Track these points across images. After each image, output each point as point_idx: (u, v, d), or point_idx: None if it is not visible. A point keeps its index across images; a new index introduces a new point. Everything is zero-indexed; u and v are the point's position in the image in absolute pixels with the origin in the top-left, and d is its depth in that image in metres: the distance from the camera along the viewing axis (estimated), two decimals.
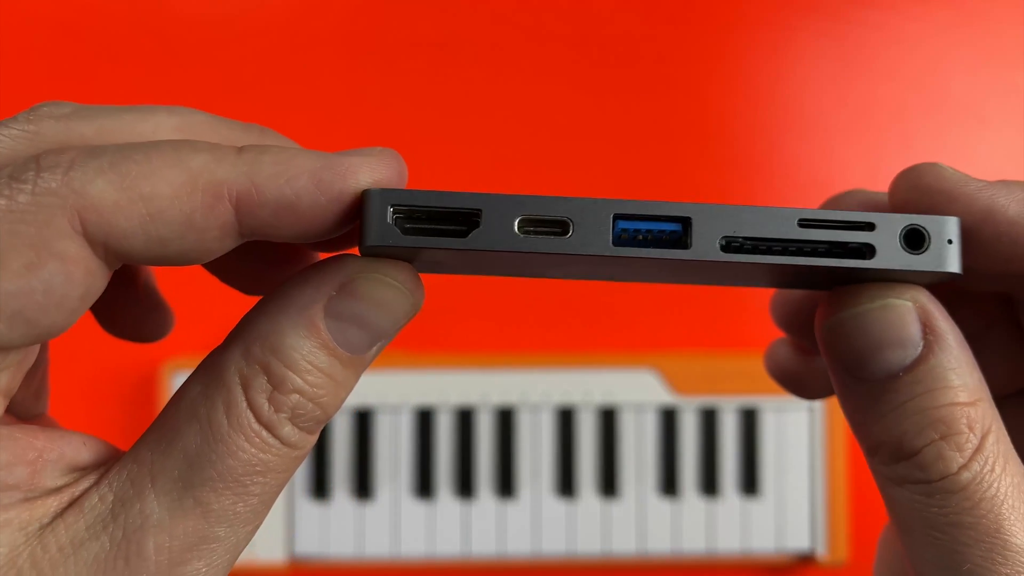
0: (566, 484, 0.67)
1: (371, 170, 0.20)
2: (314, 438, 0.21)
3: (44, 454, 0.20)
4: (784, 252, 0.21)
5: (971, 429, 0.20)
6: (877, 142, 0.73)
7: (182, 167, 0.19)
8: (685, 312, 0.70)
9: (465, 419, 0.68)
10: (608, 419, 0.68)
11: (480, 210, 0.20)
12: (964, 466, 0.20)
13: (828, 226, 0.21)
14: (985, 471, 0.20)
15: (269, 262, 0.26)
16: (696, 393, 0.68)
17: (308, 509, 0.67)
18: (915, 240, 0.21)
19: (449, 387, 0.68)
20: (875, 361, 0.21)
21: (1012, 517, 0.20)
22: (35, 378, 0.24)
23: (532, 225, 0.20)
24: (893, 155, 0.73)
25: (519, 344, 0.70)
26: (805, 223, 0.20)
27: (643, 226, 0.20)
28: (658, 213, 0.20)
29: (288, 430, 0.20)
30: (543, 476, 0.67)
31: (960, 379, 0.21)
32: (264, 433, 0.20)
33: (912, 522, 0.21)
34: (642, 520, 0.67)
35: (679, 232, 0.20)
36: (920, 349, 0.21)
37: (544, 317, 0.70)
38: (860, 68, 0.73)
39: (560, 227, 0.20)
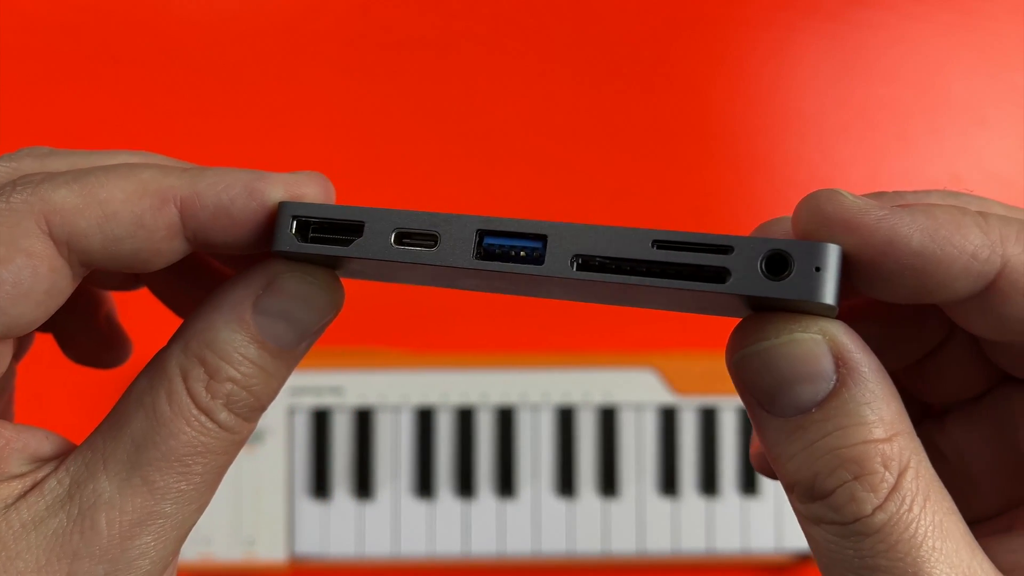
0: (566, 484, 0.68)
1: (294, 186, 0.23)
2: (251, 425, 0.23)
3: (10, 443, 0.22)
4: (639, 273, 0.20)
5: (886, 467, 0.19)
6: (877, 142, 0.73)
7: (134, 178, 0.22)
8: (685, 313, 0.70)
9: (465, 419, 0.68)
10: (608, 419, 0.68)
11: (363, 222, 0.22)
12: (879, 507, 0.19)
13: (684, 248, 0.20)
14: (902, 511, 0.19)
15: (209, 286, 0.28)
16: (696, 393, 0.68)
17: (308, 509, 0.67)
18: (777, 266, 0.20)
19: (449, 387, 0.68)
20: (785, 397, 0.20)
21: (932, 559, 0.19)
22: (2, 399, 0.27)
23: (407, 237, 0.22)
24: (893, 155, 0.73)
25: (519, 344, 0.70)
26: (660, 244, 0.20)
27: (505, 242, 0.22)
28: (519, 230, 0.21)
29: (224, 415, 0.22)
30: (543, 476, 0.68)
31: (875, 413, 0.20)
32: (203, 418, 0.22)
33: (829, 562, 0.21)
34: (642, 520, 0.68)
35: (539, 249, 0.21)
36: (833, 383, 0.20)
37: (544, 317, 0.70)
38: (861, 69, 0.73)
39: (430, 240, 0.22)
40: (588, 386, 0.68)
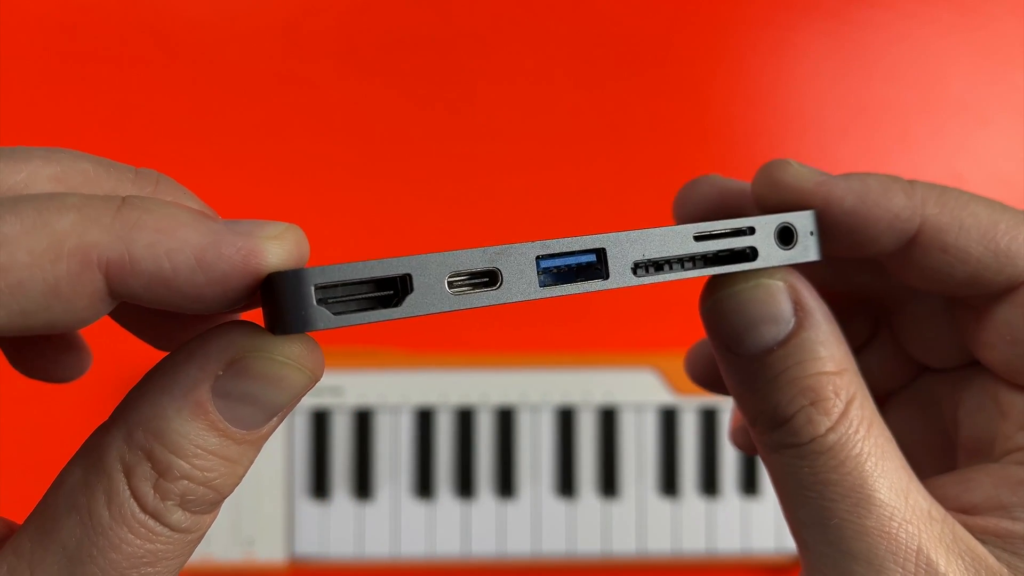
0: (566, 484, 0.67)
1: (267, 254, 0.18)
2: (211, 518, 0.20)
3: None
4: (689, 267, 0.22)
5: (837, 395, 0.22)
6: (878, 142, 0.73)
7: (46, 231, 0.17)
8: (685, 312, 0.70)
9: (465, 419, 0.68)
10: (608, 419, 0.68)
11: (409, 275, 0.19)
12: (831, 428, 0.22)
13: (718, 236, 0.22)
14: (850, 432, 0.22)
15: (176, 319, 0.25)
16: (696, 393, 0.68)
17: (308, 509, 0.67)
18: (786, 236, 0.23)
19: (449, 387, 0.68)
20: (751, 337, 0.23)
21: (875, 474, 0.22)
22: None
23: (462, 278, 0.20)
24: (893, 155, 0.73)
25: (519, 344, 0.70)
26: (699, 237, 0.22)
27: (562, 262, 0.21)
28: (575, 248, 0.21)
29: (178, 516, 0.19)
30: (543, 476, 0.67)
31: (827, 351, 0.23)
32: (151, 522, 0.19)
33: (787, 484, 0.23)
34: (642, 520, 0.67)
35: (595, 262, 0.21)
36: (792, 325, 0.23)
37: (544, 317, 0.70)
38: (861, 68, 0.73)
39: (488, 277, 0.20)
40: (588, 386, 0.68)
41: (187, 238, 0.18)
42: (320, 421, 0.67)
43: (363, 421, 0.67)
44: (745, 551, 0.67)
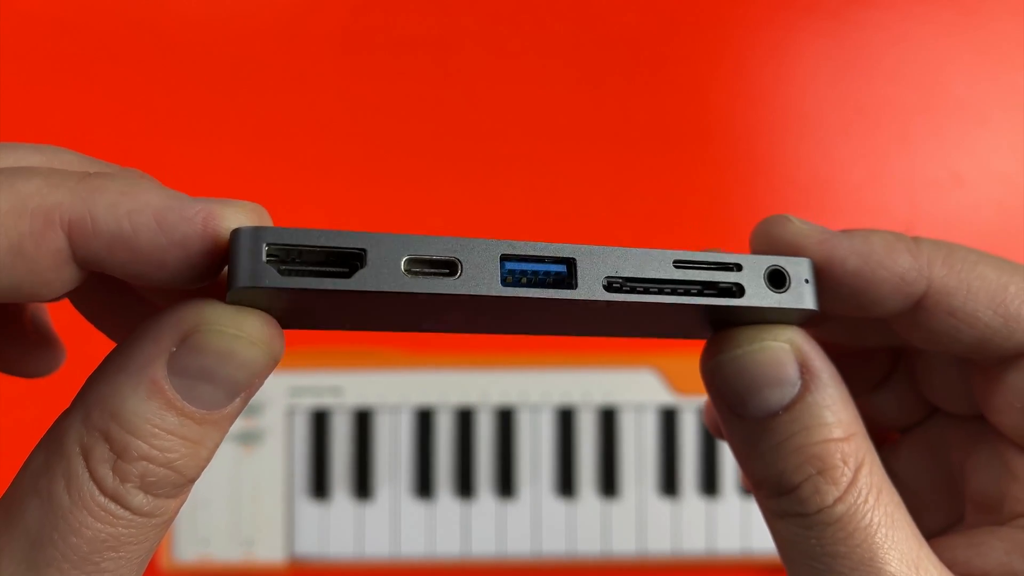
0: (566, 484, 0.67)
1: (227, 218, 0.19)
2: (177, 502, 0.19)
3: None
4: (663, 292, 0.21)
5: (845, 463, 0.21)
6: (878, 142, 0.73)
7: (11, 191, 0.17)
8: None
9: (465, 419, 0.68)
10: (608, 419, 0.68)
11: (364, 250, 0.19)
12: (839, 499, 0.21)
13: (700, 267, 0.22)
14: (859, 502, 0.21)
15: (140, 308, 0.24)
16: (696, 393, 0.68)
17: (308, 509, 0.66)
18: (777, 279, 0.22)
19: (449, 387, 0.67)
20: (755, 401, 0.22)
21: (886, 546, 0.21)
22: None
23: (419, 265, 0.19)
24: (893, 155, 0.73)
25: (519, 344, 0.70)
26: (679, 264, 0.21)
27: (529, 267, 0.20)
28: (545, 254, 0.20)
29: (140, 499, 0.18)
30: (543, 476, 0.67)
31: (835, 416, 0.22)
32: (111, 505, 0.18)
33: (793, 553, 0.22)
34: (642, 520, 0.67)
35: (564, 273, 0.20)
36: (798, 388, 0.22)
37: None
38: (861, 68, 0.73)
39: (448, 267, 0.19)
40: (588, 386, 0.68)
41: (148, 200, 0.18)
42: (320, 421, 0.67)
43: (363, 421, 0.67)
44: (745, 551, 0.67)
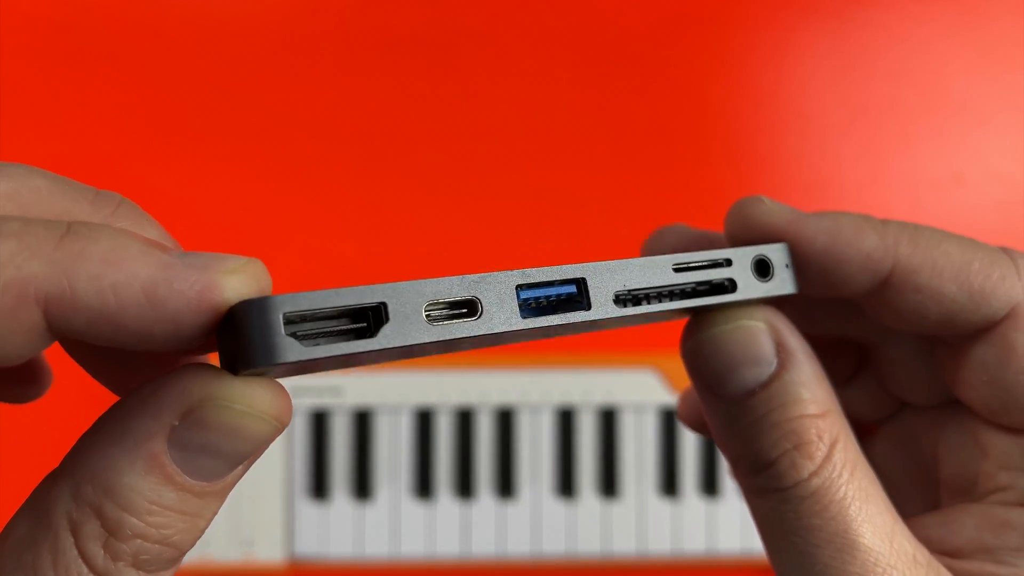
0: (566, 484, 0.67)
1: (224, 289, 0.17)
2: (169, 573, 0.18)
3: None
4: (669, 298, 0.22)
5: (820, 438, 0.22)
6: (878, 142, 0.73)
7: None
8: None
9: (465, 419, 0.67)
10: (608, 419, 0.68)
11: (385, 304, 0.18)
12: (814, 472, 0.22)
13: (696, 267, 0.22)
14: (834, 476, 0.22)
15: (127, 361, 0.23)
16: None
17: (307, 509, 0.66)
18: (763, 268, 0.23)
19: (449, 387, 0.67)
20: (733, 379, 0.23)
21: (859, 518, 0.22)
22: None
23: (439, 309, 0.19)
24: (893, 155, 0.73)
25: (519, 344, 0.70)
26: (679, 268, 0.22)
27: (542, 293, 0.20)
28: (556, 278, 0.20)
29: None
30: (543, 476, 0.67)
31: (810, 393, 0.22)
32: None
33: (771, 528, 0.23)
34: (642, 520, 0.67)
35: (575, 293, 0.21)
36: (774, 366, 0.22)
37: None
38: (862, 68, 0.73)
39: (467, 307, 0.19)
40: (588, 386, 0.68)
41: (136, 271, 0.16)
42: (319, 421, 0.67)
43: (363, 421, 0.67)
44: (745, 551, 0.67)
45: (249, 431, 0.18)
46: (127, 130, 0.70)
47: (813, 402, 0.22)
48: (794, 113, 0.73)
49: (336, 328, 0.18)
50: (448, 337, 0.18)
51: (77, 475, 0.17)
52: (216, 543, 0.65)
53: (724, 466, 0.68)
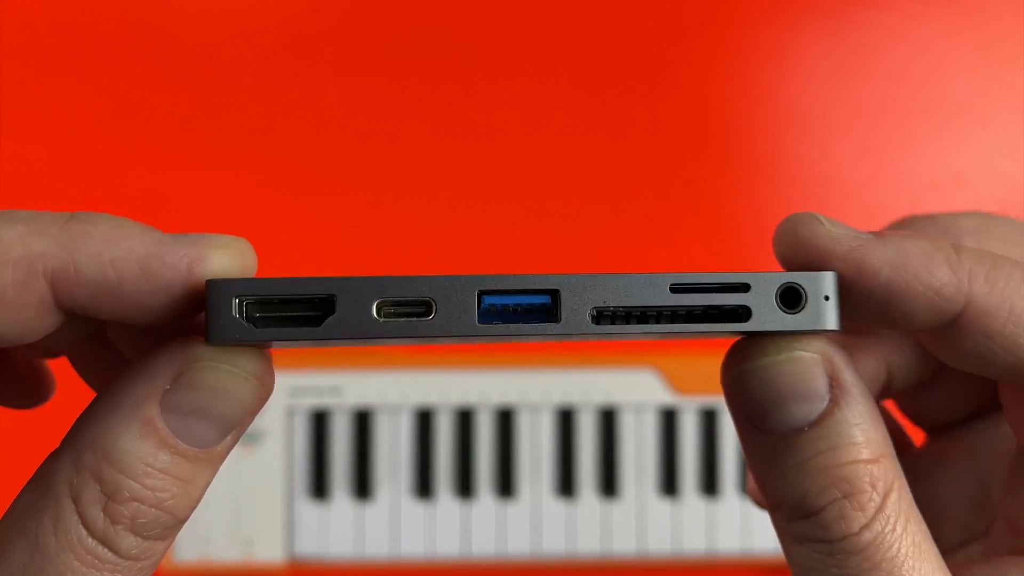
0: (566, 484, 0.67)
1: (210, 261, 0.19)
2: (165, 544, 0.19)
3: None
4: (660, 320, 0.20)
5: (874, 487, 0.20)
6: (879, 142, 0.73)
7: None
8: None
9: (465, 419, 0.67)
10: (608, 419, 0.68)
11: (334, 295, 0.19)
12: (865, 526, 0.20)
13: (702, 290, 0.20)
14: (886, 530, 0.20)
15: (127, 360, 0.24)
16: (696, 393, 0.68)
17: (307, 509, 0.66)
18: (792, 299, 0.20)
19: (449, 387, 0.67)
20: (780, 415, 0.20)
21: None
22: None
23: (392, 307, 0.19)
24: (895, 155, 0.73)
25: (519, 344, 0.70)
26: (677, 288, 0.20)
27: (510, 300, 0.19)
28: (526, 287, 0.19)
29: (130, 542, 0.18)
30: (543, 476, 0.67)
31: (864, 435, 0.20)
32: (100, 548, 0.18)
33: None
34: (642, 520, 0.67)
35: (547, 304, 0.19)
36: (826, 403, 0.20)
37: None
38: (862, 68, 0.73)
39: (423, 307, 0.19)
40: (588, 386, 0.68)
41: (132, 247, 0.18)
42: (320, 421, 0.67)
43: (363, 421, 0.67)
44: (745, 551, 0.67)
45: (236, 392, 0.19)
46: (127, 130, 0.70)
47: (867, 445, 0.20)
48: (794, 113, 0.73)
49: (290, 314, 0.19)
50: (393, 335, 0.19)
51: (77, 444, 0.18)
52: (216, 543, 0.65)
53: (724, 466, 0.68)
